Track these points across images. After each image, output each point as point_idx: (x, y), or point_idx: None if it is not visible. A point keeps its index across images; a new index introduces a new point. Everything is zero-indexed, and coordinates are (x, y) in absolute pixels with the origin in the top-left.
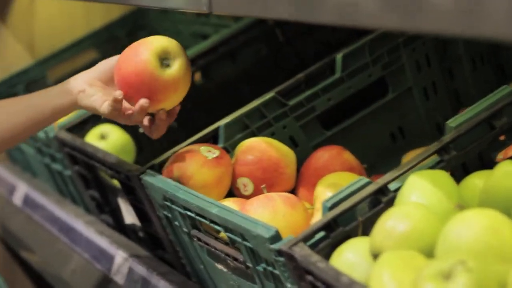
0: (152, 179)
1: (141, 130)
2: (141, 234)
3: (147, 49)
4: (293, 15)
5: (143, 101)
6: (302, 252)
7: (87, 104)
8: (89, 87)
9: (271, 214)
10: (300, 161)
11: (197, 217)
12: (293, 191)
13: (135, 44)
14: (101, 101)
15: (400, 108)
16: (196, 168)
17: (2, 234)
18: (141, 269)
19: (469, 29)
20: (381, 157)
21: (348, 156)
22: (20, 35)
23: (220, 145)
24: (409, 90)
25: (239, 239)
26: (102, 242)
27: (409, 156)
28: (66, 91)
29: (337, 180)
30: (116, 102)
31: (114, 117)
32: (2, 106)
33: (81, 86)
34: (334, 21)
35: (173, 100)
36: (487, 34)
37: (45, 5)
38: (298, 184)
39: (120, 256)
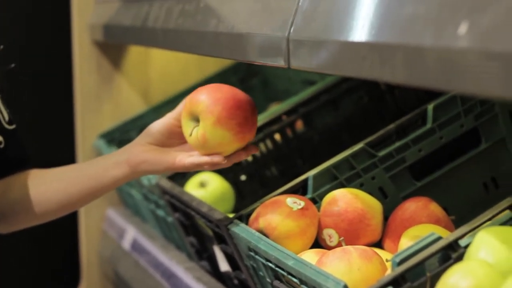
0: (238, 229)
1: (243, 177)
2: (235, 281)
3: None
4: (359, 73)
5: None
6: None
7: (154, 169)
8: (148, 154)
9: (346, 267)
10: (390, 212)
11: (277, 268)
12: (379, 243)
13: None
14: (177, 157)
15: (493, 158)
16: (280, 219)
17: (114, 277)
18: None
19: None
20: (474, 208)
21: (434, 208)
22: (134, 82)
23: (309, 195)
24: (503, 140)
25: None
26: None
27: None
28: (123, 162)
29: (421, 232)
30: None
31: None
32: (60, 175)
33: (139, 158)
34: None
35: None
36: None
37: (159, 53)
38: (385, 236)
39: None
